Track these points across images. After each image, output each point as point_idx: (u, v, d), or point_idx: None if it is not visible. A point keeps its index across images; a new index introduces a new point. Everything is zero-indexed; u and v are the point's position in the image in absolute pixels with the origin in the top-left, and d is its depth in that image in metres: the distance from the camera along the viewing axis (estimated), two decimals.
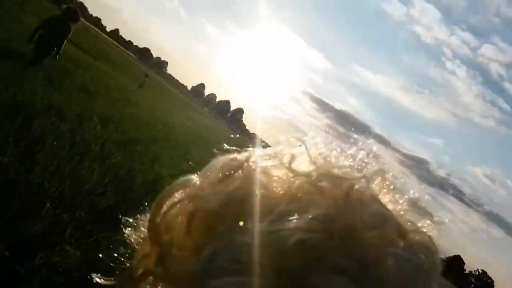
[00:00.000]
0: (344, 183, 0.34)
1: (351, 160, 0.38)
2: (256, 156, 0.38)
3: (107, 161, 5.30)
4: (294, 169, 0.36)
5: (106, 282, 0.39)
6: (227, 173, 0.37)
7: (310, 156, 0.37)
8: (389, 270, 0.30)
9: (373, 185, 0.36)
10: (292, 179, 0.35)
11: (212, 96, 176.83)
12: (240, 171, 0.36)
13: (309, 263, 0.29)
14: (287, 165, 0.36)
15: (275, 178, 0.36)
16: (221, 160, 0.39)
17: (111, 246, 3.20)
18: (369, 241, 0.31)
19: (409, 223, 0.35)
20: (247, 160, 0.37)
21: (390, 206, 0.35)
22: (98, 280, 0.39)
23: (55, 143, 4.55)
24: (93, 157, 4.99)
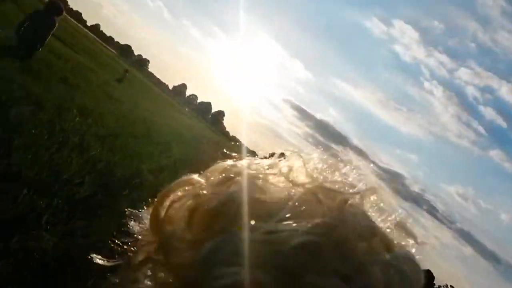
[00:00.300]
0: (338, 197, 0.37)
1: (344, 176, 0.41)
2: (256, 164, 0.41)
3: (86, 152, 5.24)
4: (292, 179, 0.39)
5: (106, 263, 0.41)
6: (228, 176, 0.39)
7: (307, 169, 0.40)
8: (377, 275, 0.33)
9: (365, 201, 0.39)
10: (290, 189, 0.38)
11: (194, 96, 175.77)
12: (239, 176, 0.39)
13: (307, 263, 0.32)
14: (285, 175, 0.39)
15: (273, 185, 0.38)
16: (222, 164, 0.42)
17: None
18: (360, 250, 0.34)
19: (396, 239, 0.38)
20: (248, 167, 0.40)
21: (379, 223, 0.38)
22: (98, 260, 0.42)
23: (33, 131, 4.47)
24: (71, 148, 4.93)
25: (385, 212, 0.40)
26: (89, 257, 0.42)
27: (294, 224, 0.33)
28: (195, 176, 0.41)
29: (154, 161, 8.12)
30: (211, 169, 0.42)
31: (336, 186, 0.38)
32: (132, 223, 0.42)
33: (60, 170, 4.00)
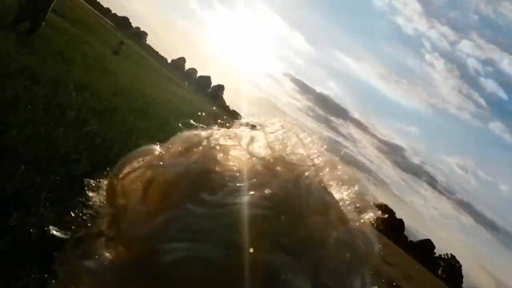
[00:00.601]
0: (296, 169, 0.36)
1: (307, 148, 0.40)
2: (217, 135, 0.40)
3: (83, 128, 5.22)
4: (251, 151, 0.37)
5: (61, 235, 0.40)
6: (188, 147, 0.38)
7: (267, 141, 0.39)
8: (328, 252, 0.33)
9: (323, 175, 0.38)
10: (248, 160, 0.37)
11: (193, 70, 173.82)
12: (200, 147, 0.38)
13: (255, 238, 0.31)
14: (245, 146, 0.38)
15: (232, 157, 0.37)
16: (185, 134, 0.41)
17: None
18: (312, 225, 0.33)
19: (351, 213, 0.37)
20: (208, 137, 0.39)
21: (336, 195, 0.37)
22: (54, 232, 0.40)
23: (29, 106, 4.44)
24: (68, 123, 4.91)
25: (345, 184, 0.39)
26: (45, 229, 0.41)
27: (243, 197, 0.32)
28: (155, 146, 0.40)
29: (153, 136, 8.12)
30: (174, 139, 0.41)
31: (296, 159, 0.37)
32: (91, 194, 0.40)
33: (57, 146, 4.00)
